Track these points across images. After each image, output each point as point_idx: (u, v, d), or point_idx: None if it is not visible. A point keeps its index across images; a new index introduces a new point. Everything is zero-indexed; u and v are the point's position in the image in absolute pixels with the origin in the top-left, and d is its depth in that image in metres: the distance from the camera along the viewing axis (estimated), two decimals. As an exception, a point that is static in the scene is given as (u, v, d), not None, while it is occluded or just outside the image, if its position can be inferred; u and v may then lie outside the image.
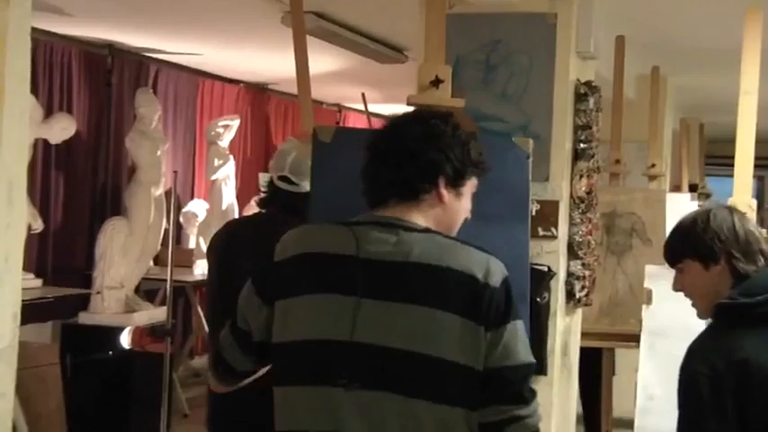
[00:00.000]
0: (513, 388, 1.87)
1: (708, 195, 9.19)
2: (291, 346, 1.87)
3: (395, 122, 2.00)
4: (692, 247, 2.30)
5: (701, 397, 2.13)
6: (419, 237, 1.88)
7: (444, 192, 1.93)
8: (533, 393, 1.91)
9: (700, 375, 2.14)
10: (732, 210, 2.36)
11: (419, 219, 1.92)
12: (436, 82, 2.71)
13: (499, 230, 2.37)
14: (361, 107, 5.01)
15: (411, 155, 1.91)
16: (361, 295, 1.82)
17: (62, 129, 5.75)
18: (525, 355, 1.89)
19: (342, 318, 1.82)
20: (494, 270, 1.88)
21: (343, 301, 1.82)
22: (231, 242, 3.18)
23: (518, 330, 1.89)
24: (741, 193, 3.35)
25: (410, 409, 1.81)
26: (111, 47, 6.78)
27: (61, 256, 6.36)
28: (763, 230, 2.43)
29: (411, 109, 2.33)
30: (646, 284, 3.39)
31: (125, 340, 5.72)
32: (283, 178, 3.15)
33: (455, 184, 1.95)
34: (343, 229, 1.91)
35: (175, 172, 5.53)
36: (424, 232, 1.90)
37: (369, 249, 1.85)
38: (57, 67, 6.36)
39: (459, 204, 1.98)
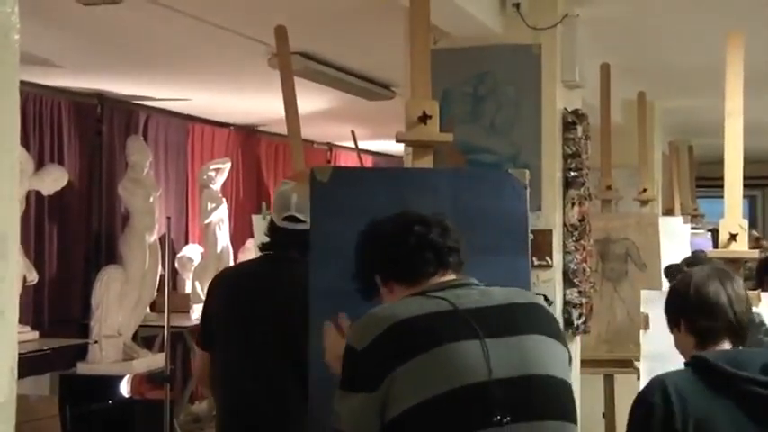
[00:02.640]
0: None
1: (701, 217, 9.22)
2: (435, 400, 1.87)
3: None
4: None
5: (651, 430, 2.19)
6: (488, 287, 2.05)
7: None
8: None
9: (658, 408, 2.19)
10: (710, 275, 2.42)
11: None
12: (424, 118, 2.73)
13: (500, 262, 2.39)
14: (352, 145, 5.03)
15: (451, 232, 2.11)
16: (483, 337, 1.91)
17: (54, 180, 5.76)
18: None
19: (476, 360, 1.89)
20: None
21: (471, 346, 1.90)
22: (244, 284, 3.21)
23: None
24: (732, 215, 3.36)
25: None
26: (101, 96, 6.81)
27: (57, 307, 6.34)
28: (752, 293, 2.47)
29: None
30: (642, 309, 3.38)
31: (125, 388, 5.69)
32: (289, 218, 3.13)
33: None
34: (417, 298, 2.01)
35: (168, 218, 5.54)
36: (483, 285, 2.07)
37: (463, 302, 1.96)
38: (47, 118, 6.39)
39: None
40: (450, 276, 2.06)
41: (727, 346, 2.35)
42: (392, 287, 2.10)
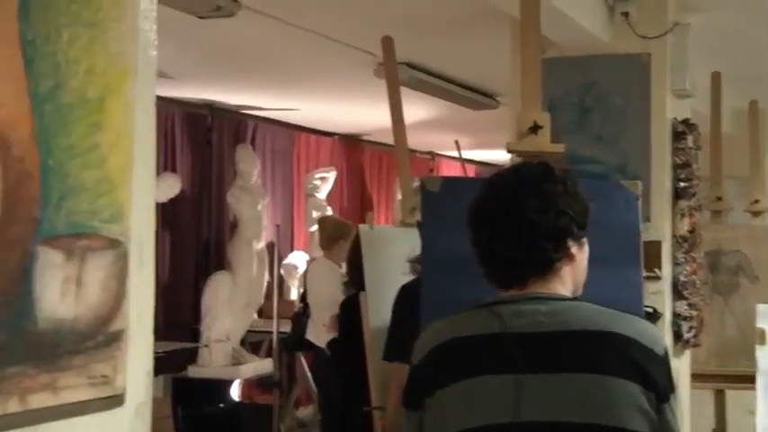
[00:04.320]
0: None
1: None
2: None
3: (501, 191, 1.83)
4: None
5: None
6: (571, 305, 1.78)
7: (574, 251, 1.82)
8: None
9: None
10: None
11: (560, 288, 1.80)
12: (535, 128, 2.74)
13: (612, 273, 2.36)
14: (454, 154, 5.05)
15: (537, 228, 1.76)
16: (522, 371, 1.69)
17: (168, 187, 5.95)
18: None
19: (503, 399, 1.69)
20: (656, 336, 1.78)
21: (501, 381, 1.70)
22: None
23: (679, 405, 1.78)
24: None
25: None
26: (211, 106, 7.00)
27: (169, 311, 6.52)
28: None
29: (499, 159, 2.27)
30: (758, 324, 3.31)
31: (235, 392, 5.82)
32: None
33: (578, 237, 1.83)
34: (480, 310, 1.79)
35: (278, 225, 5.65)
36: (573, 301, 1.80)
37: (519, 323, 1.73)
38: (161, 127, 6.60)
39: (584, 253, 1.87)
40: (528, 288, 1.78)
41: None
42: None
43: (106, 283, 1.38)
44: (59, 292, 1.29)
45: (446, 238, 2.49)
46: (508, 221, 1.77)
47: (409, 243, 3.46)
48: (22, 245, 1.23)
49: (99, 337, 1.37)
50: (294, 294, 7.55)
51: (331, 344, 4.77)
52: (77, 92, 1.30)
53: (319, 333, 5.38)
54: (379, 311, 3.65)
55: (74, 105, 1.30)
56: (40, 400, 1.26)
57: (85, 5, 1.31)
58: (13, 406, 1.21)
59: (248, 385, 6.14)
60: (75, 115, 1.30)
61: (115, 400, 1.39)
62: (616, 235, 2.43)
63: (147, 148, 1.48)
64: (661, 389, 1.71)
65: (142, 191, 1.44)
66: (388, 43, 4.44)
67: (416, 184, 3.74)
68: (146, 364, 1.44)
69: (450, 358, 1.77)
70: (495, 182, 1.85)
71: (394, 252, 3.86)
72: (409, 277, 3.41)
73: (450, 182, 2.84)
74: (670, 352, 1.82)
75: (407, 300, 3.19)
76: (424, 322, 2.43)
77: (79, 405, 1.32)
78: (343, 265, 5.56)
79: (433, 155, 10.35)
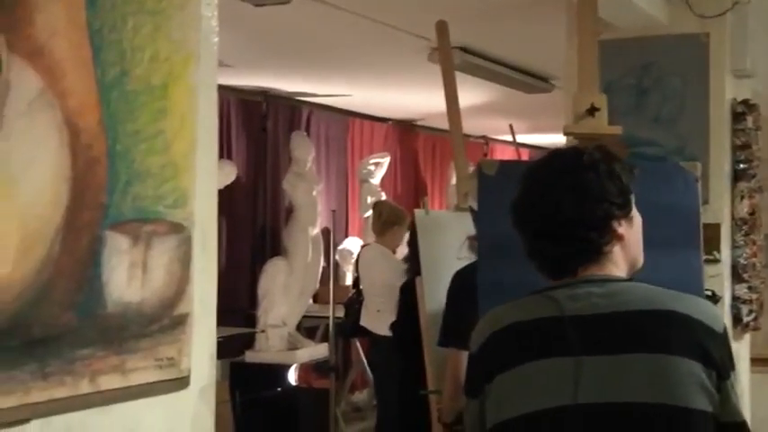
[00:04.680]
0: None
1: None
2: (510, 423, 1.73)
3: (535, 190, 1.81)
4: None
5: None
6: (629, 285, 1.77)
7: (621, 231, 1.79)
8: None
9: None
10: None
11: (613, 269, 1.79)
12: (592, 110, 2.72)
13: (671, 257, 2.33)
14: (508, 138, 5.03)
15: (577, 222, 1.75)
16: (579, 354, 1.68)
17: (225, 175, 6.00)
18: (742, 412, 1.76)
19: (562, 382, 1.68)
20: (716, 315, 1.76)
21: (559, 365, 1.69)
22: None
23: (738, 383, 1.77)
24: None
25: None
26: (266, 93, 7.04)
27: (225, 296, 6.55)
28: None
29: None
30: (821, 306, 3.26)
31: (292, 377, 5.87)
32: None
33: (623, 216, 1.79)
34: (536, 296, 1.80)
35: (333, 211, 5.67)
36: (629, 282, 1.79)
37: (575, 306, 1.73)
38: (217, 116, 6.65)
39: (634, 228, 1.83)
40: (580, 274, 1.77)
41: None
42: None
43: (171, 267, 1.41)
44: (126, 277, 1.32)
45: (502, 222, 2.47)
46: (547, 221, 1.77)
47: (464, 228, 3.46)
48: (91, 230, 1.26)
49: (164, 320, 1.40)
50: (349, 280, 7.59)
51: (393, 326, 4.80)
52: (142, 79, 1.33)
53: (373, 319, 5.41)
54: (434, 296, 3.66)
55: (139, 92, 1.33)
56: (109, 382, 1.29)
57: (149, -6, 1.34)
58: (85, 387, 1.25)
59: (304, 370, 6.19)
60: (140, 102, 1.33)
61: (181, 383, 1.42)
62: (676, 217, 2.41)
63: (209, 134, 1.50)
64: (721, 367, 1.70)
65: (205, 176, 1.47)
66: (442, 28, 4.43)
67: (472, 168, 3.74)
68: (209, 347, 1.47)
69: (507, 344, 1.78)
70: (529, 180, 1.83)
71: (448, 237, 3.85)
72: (464, 262, 3.41)
73: (507, 166, 2.81)
74: (729, 335, 1.80)
75: (462, 286, 3.19)
76: (481, 306, 2.42)
77: (146, 387, 1.36)
78: (397, 250, 5.59)
79: (486, 139, 10.30)
